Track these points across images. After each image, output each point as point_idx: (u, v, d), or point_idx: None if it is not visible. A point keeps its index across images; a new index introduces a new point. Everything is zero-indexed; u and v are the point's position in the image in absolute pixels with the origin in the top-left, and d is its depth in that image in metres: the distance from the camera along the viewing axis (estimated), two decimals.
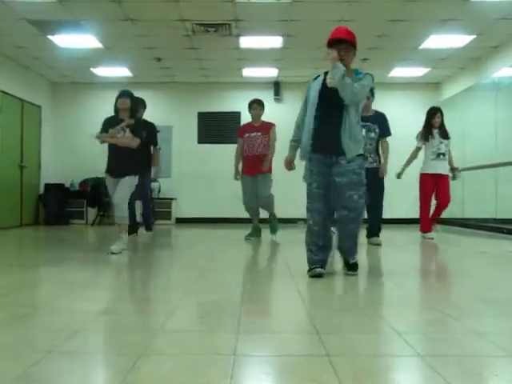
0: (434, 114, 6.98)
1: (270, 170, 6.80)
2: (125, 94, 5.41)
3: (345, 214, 3.78)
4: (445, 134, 6.95)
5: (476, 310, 2.87)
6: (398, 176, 7.02)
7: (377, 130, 6.03)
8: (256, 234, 7.03)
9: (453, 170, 7.16)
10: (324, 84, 3.83)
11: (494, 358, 2.04)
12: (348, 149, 3.75)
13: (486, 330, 2.40)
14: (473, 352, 2.10)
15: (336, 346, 2.13)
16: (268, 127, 6.87)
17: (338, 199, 3.82)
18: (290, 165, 4.16)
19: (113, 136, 5.27)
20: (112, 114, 5.51)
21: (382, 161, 6.15)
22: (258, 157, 6.77)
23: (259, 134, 6.80)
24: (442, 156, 6.92)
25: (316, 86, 3.88)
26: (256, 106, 6.94)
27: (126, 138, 5.29)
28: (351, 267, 3.95)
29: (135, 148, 5.32)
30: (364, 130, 5.63)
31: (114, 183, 5.36)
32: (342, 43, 3.75)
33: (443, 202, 7.04)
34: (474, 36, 7.96)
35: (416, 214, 7.29)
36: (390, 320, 2.59)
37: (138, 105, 6.32)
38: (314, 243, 3.86)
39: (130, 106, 5.36)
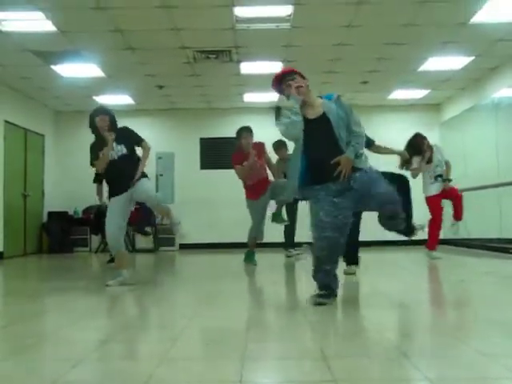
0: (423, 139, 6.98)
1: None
2: (101, 112, 5.08)
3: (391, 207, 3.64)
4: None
5: (484, 331, 2.84)
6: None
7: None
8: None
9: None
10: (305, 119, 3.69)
11: (504, 380, 2.01)
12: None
13: (494, 351, 2.37)
14: (482, 374, 2.07)
15: (343, 371, 2.11)
16: (260, 149, 6.66)
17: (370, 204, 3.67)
18: None
19: (105, 158, 4.93)
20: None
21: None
22: (265, 179, 6.67)
23: (255, 159, 6.55)
24: (439, 178, 6.97)
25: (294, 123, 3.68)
26: (247, 134, 6.63)
27: (144, 157, 5.02)
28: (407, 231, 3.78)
29: (130, 156, 5.00)
30: None
31: (120, 203, 4.91)
32: (289, 76, 3.74)
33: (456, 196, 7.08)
34: (473, 57, 8.03)
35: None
36: (397, 344, 2.56)
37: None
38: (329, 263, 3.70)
39: (109, 121, 5.01)
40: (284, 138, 4.16)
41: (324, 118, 3.67)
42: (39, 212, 10.56)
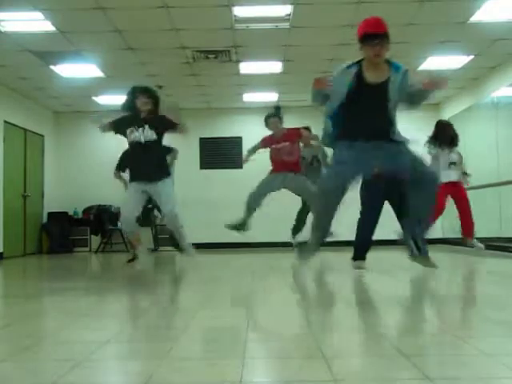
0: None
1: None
2: (145, 94, 4.84)
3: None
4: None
5: (485, 330, 2.84)
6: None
7: None
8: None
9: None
10: (359, 80, 3.52)
11: (506, 380, 2.00)
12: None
13: (496, 351, 2.36)
14: (483, 374, 2.07)
15: (343, 370, 2.10)
16: (294, 135, 6.66)
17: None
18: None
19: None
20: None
21: None
22: (290, 163, 6.65)
23: (286, 143, 6.62)
24: (452, 165, 6.90)
25: (344, 81, 3.55)
26: (274, 120, 6.70)
27: (184, 128, 4.85)
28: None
29: (156, 144, 4.83)
30: None
31: (138, 189, 4.83)
32: (377, 38, 3.47)
33: (464, 208, 7.04)
34: (472, 56, 8.03)
35: None
36: (397, 343, 2.55)
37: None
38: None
39: (154, 107, 4.83)
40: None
41: (383, 85, 3.52)
42: (39, 212, 10.56)
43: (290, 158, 6.63)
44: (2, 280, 6.62)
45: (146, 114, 4.83)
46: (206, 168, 11.24)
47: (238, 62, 8.12)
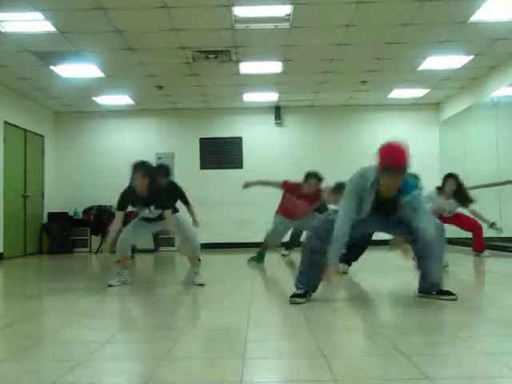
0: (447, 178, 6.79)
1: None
2: (139, 170, 4.74)
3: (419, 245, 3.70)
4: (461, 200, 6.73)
5: (485, 330, 2.84)
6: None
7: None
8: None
9: (491, 225, 7.08)
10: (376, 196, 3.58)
11: (506, 379, 2.00)
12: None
13: (495, 350, 2.37)
14: (483, 373, 2.07)
15: (343, 370, 2.11)
16: (317, 195, 6.64)
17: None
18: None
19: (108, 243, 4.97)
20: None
21: None
22: (303, 211, 6.69)
23: (303, 201, 6.63)
24: (445, 213, 6.78)
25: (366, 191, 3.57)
26: (314, 181, 6.59)
27: (171, 224, 4.86)
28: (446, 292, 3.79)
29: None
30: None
31: (149, 226, 5.05)
32: (398, 172, 3.43)
33: (472, 228, 7.06)
34: (472, 56, 8.03)
35: None
36: (397, 342, 2.55)
37: (159, 175, 5.58)
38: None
39: (148, 183, 4.73)
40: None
41: (394, 201, 3.57)
42: (39, 213, 10.56)
43: (302, 212, 6.69)
44: (2, 280, 6.63)
45: (143, 192, 4.82)
46: (206, 168, 11.24)
47: (237, 61, 8.12)
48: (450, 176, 6.76)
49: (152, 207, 4.86)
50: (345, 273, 5.40)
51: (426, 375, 2.02)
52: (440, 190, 6.72)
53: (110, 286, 4.86)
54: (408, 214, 3.57)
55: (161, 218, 4.93)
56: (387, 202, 3.57)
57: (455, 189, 6.64)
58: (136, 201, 4.85)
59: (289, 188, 6.73)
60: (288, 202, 6.74)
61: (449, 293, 3.76)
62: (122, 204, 4.83)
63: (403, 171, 3.45)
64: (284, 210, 6.81)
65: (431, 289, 3.82)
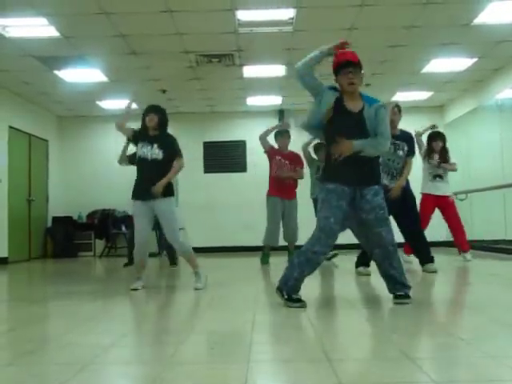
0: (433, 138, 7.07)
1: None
2: (152, 110, 5.04)
3: (378, 252, 3.70)
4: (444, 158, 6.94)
5: (490, 333, 2.82)
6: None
7: (405, 149, 5.59)
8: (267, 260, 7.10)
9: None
10: (339, 106, 3.66)
11: (511, 383, 1.99)
12: (374, 178, 3.68)
13: (500, 353, 2.36)
14: (488, 377, 2.06)
15: (348, 373, 2.10)
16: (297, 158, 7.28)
17: (366, 236, 3.72)
18: None
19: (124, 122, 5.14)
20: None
21: (401, 180, 5.55)
22: (290, 185, 7.18)
23: (287, 162, 7.17)
24: (438, 178, 6.91)
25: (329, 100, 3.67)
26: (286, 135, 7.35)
27: (175, 168, 5.03)
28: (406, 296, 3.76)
29: (162, 164, 4.92)
30: (392, 148, 5.30)
31: (144, 211, 4.86)
32: (350, 66, 3.64)
33: (455, 225, 6.99)
34: (476, 59, 8.02)
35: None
36: (402, 346, 2.54)
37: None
38: (309, 274, 3.68)
39: (159, 122, 4.98)
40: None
41: (360, 115, 3.63)
42: (44, 217, 10.59)
43: (288, 188, 7.10)
44: (7, 284, 6.64)
45: (152, 129, 4.96)
46: (209, 172, 11.25)
47: (241, 65, 8.13)
48: (437, 135, 7.14)
49: (155, 145, 4.91)
50: (368, 274, 5.46)
51: (432, 378, 2.02)
52: (429, 151, 7.03)
53: (135, 289, 4.84)
54: (372, 121, 3.61)
55: (150, 192, 4.82)
56: (357, 115, 3.61)
57: (442, 145, 7.03)
58: (144, 135, 4.99)
59: (272, 151, 7.27)
60: (274, 166, 7.15)
61: (405, 296, 3.73)
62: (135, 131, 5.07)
63: (358, 65, 3.68)
64: (272, 186, 7.15)
65: (403, 289, 3.76)
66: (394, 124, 5.41)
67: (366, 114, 3.64)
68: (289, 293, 3.64)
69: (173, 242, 4.99)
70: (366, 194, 3.62)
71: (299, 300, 3.62)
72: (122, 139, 5.46)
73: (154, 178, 4.83)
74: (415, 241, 5.83)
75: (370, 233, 3.68)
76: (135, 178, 5.01)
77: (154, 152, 4.92)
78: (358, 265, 5.72)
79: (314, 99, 3.79)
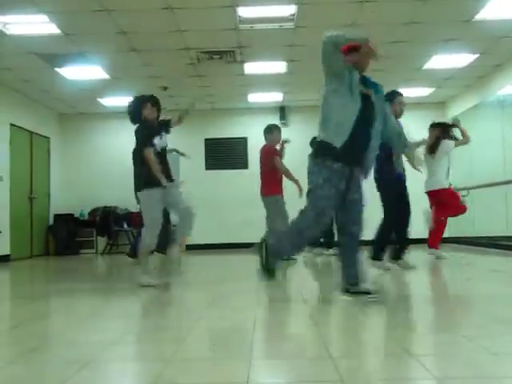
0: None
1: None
2: (148, 100, 5.09)
3: (356, 229, 3.74)
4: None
5: (491, 330, 2.82)
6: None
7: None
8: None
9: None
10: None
11: None
12: (370, 165, 3.77)
13: (502, 350, 2.36)
14: (490, 373, 2.06)
15: (350, 370, 2.10)
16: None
17: (348, 215, 3.75)
18: None
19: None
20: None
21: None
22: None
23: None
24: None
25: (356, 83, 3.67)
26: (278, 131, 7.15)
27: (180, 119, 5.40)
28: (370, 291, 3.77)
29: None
30: None
31: (161, 203, 4.88)
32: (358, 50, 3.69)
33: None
34: (478, 55, 8.00)
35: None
36: (404, 342, 2.55)
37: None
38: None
39: (157, 111, 5.09)
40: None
41: (370, 98, 3.66)
42: (45, 214, 10.60)
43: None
44: (9, 282, 6.65)
45: (154, 121, 5.07)
46: (211, 169, 11.25)
47: (242, 62, 8.12)
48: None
49: (163, 133, 5.06)
50: (388, 269, 5.51)
51: (434, 375, 2.02)
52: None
53: (154, 286, 4.86)
54: (381, 111, 3.71)
55: (170, 179, 4.95)
56: (365, 98, 3.64)
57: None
58: (152, 130, 4.99)
59: (275, 152, 7.05)
60: (278, 165, 6.99)
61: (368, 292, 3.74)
62: (149, 138, 4.94)
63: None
64: (277, 185, 7.00)
65: (354, 279, 3.78)
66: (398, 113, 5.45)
67: (374, 97, 3.72)
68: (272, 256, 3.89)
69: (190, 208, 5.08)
70: (357, 175, 3.73)
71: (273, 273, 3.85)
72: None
73: (166, 168, 5.02)
74: (401, 235, 5.73)
75: (353, 211, 3.74)
76: (145, 170, 4.93)
77: (163, 140, 5.12)
78: (396, 258, 5.69)
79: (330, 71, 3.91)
